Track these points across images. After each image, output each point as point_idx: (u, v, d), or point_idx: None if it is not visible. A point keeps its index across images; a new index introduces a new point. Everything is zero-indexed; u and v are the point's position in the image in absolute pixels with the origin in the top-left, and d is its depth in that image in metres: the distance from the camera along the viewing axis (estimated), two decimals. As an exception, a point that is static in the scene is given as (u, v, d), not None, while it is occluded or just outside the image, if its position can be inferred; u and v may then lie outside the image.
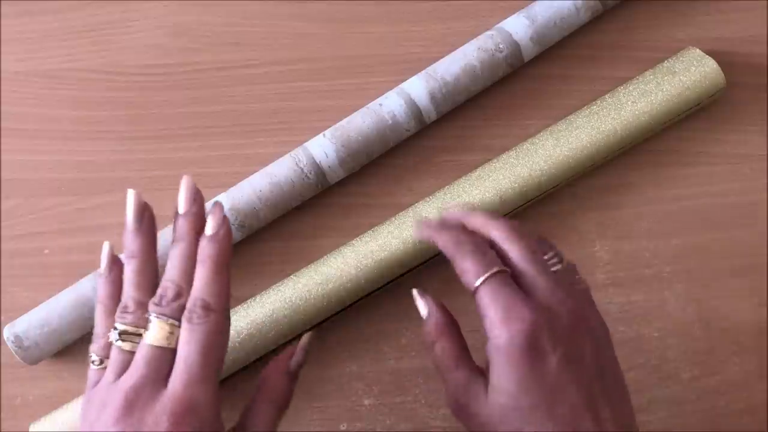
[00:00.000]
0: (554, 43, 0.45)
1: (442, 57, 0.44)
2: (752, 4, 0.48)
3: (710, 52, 0.44)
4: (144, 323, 0.28)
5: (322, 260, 0.40)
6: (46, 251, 0.43)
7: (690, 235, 0.43)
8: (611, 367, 0.29)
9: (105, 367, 0.29)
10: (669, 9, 0.48)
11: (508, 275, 0.28)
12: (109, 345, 0.29)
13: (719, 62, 0.43)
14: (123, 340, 0.28)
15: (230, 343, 0.36)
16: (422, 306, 0.31)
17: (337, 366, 0.41)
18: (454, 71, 0.43)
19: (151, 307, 0.28)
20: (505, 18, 0.45)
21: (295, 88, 0.47)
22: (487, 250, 0.29)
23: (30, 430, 0.39)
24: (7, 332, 0.39)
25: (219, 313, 0.28)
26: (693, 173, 0.44)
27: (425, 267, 0.41)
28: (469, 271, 0.28)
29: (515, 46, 0.43)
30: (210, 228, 0.30)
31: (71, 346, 0.41)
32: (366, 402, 0.40)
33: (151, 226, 0.31)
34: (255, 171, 0.42)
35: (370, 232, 0.41)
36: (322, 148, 0.42)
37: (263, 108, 0.46)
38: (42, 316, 0.39)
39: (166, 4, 0.49)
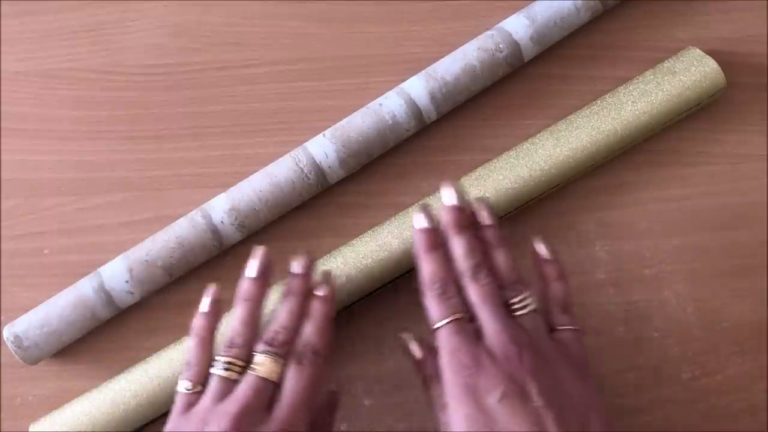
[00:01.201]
0: (554, 43, 0.45)
1: (442, 57, 0.44)
2: (752, 4, 0.48)
3: (710, 52, 0.44)
4: (248, 358, 0.32)
5: (322, 260, 0.40)
6: (46, 251, 0.43)
7: (690, 235, 0.43)
8: (567, 401, 0.30)
9: (197, 392, 0.32)
10: (669, 9, 0.48)
11: (463, 322, 0.32)
12: (205, 373, 0.32)
13: (719, 62, 0.43)
14: (227, 370, 0.32)
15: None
16: (417, 351, 0.36)
17: (337, 366, 0.41)
18: (454, 71, 0.43)
19: (262, 346, 0.33)
20: (505, 18, 0.45)
21: (295, 88, 0.47)
22: (452, 294, 0.32)
23: (30, 430, 0.39)
24: (7, 332, 0.39)
25: (324, 358, 0.33)
26: (693, 173, 0.44)
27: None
28: (433, 312, 0.32)
29: (515, 46, 0.43)
30: (323, 290, 0.35)
31: (71, 347, 0.41)
32: (366, 402, 0.40)
33: (268, 280, 0.35)
34: (255, 171, 0.42)
35: (370, 232, 0.41)
36: (322, 148, 0.42)
37: (263, 108, 0.46)
38: (42, 317, 0.39)
39: (166, 4, 0.49)
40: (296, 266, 0.36)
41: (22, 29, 0.48)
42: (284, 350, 0.32)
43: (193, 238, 0.40)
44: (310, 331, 0.33)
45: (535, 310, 0.32)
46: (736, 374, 0.40)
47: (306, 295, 0.35)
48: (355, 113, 0.43)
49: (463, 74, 0.43)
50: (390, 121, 0.42)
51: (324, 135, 0.42)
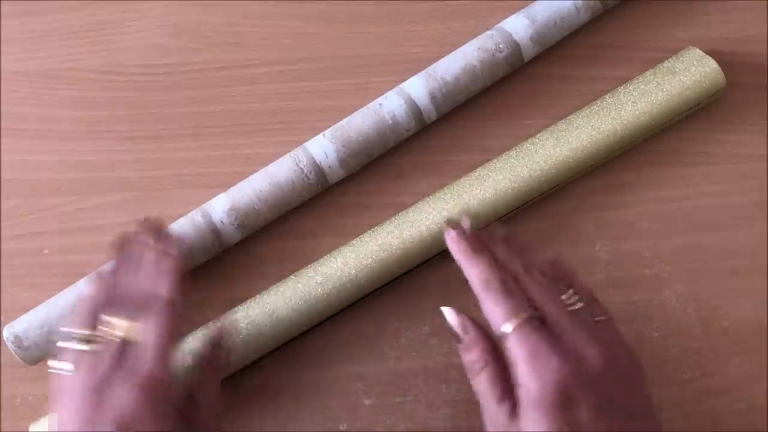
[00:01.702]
0: (554, 43, 0.45)
1: (442, 57, 0.44)
2: (752, 4, 0.48)
3: (710, 52, 0.44)
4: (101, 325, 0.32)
5: (322, 260, 0.40)
6: (46, 251, 0.43)
7: (690, 235, 0.43)
8: (643, 405, 0.28)
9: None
10: (669, 9, 0.48)
11: (536, 321, 0.28)
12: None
13: (719, 62, 0.43)
14: (89, 342, 0.32)
15: (231, 343, 0.38)
16: (460, 328, 0.31)
17: (337, 366, 0.41)
18: (454, 71, 0.43)
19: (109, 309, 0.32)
20: (505, 18, 0.45)
21: (295, 88, 0.47)
22: (514, 289, 0.29)
23: (30, 430, 0.39)
24: (7, 332, 0.39)
25: (171, 303, 0.32)
26: (693, 173, 0.44)
27: (425, 267, 0.41)
28: (498, 314, 0.29)
29: (515, 46, 0.43)
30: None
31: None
32: (366, 402, 0.40)
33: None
34: (255, 171, 0.42)
35: (370, 232, 0.41)
36: (322, 148, 0.42)
37: (263, 108, 0.46)
38: (42, 316, 0.39)
39: (166, 4, 0.49)
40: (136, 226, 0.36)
41: (22, 29, 0.48)
42: (130, 307, 0.32)
43: (193, 238, 0.40)
44: (149, 279, 0.33)
45: (587, 299, 0.30)
46: (736, 374, 0.40)
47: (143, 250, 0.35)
48: (355, 113, 0.43)
49: (463, 74, 0.43)
50: (390, 121, 0.42)
51: (324, 135, 0.42)
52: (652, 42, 0.47)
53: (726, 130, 0.45)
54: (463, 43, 0.44)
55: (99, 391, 0.29)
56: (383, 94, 0.43)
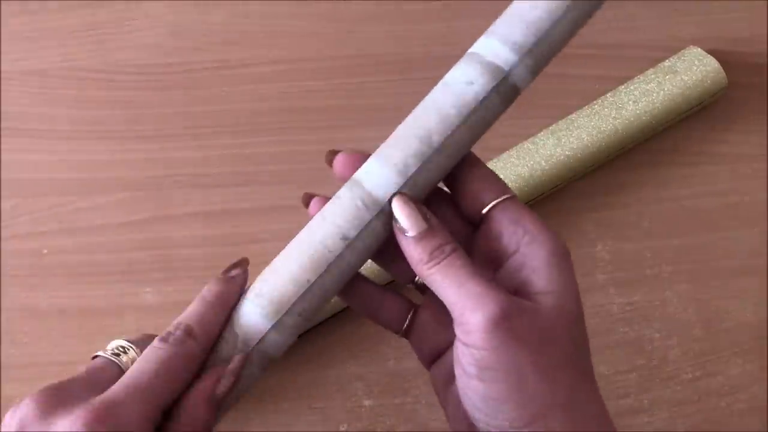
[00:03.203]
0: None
1: (442, 57, 0.44)
2: (753, 4, 0.48)
3: (711, 52, 0.44)
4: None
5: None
6: (46, 251, 0.43)
7: (691, 235, 0.43)
8: None
9: None
10: (669, 9, 0.48)
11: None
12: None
13: (720, 62, 0.43)
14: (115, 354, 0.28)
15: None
16: (419, 216, 0.26)
17: (337, 366, 0.41)
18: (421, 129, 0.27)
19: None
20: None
21: (295, 87, 0.47)
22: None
23: (29, 430, 0.38)
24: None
25: (196, 341, 0.26)
26: (693, 173, 0.44)
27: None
28: (485, 191, 0.27)
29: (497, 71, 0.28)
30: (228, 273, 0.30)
31: (70, 347, 0.41)
32: (366, 403, 0.40)
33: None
34: (254, 171, 0.42)
35: None
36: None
37: (263, 108, 0.46)
38: None
39: (166, 4, 0.49)
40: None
41: (21, 29, 0.48)
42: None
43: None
44: (191, 309, 0.27)
45: None
46: (737, 375, 0.40)
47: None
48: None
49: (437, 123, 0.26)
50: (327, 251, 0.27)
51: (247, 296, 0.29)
52: (652, 41, 0.47)
53: (726, 129, 0.45)
54: (463, 44, 0.44)
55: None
56: (383, 94, 0.43)
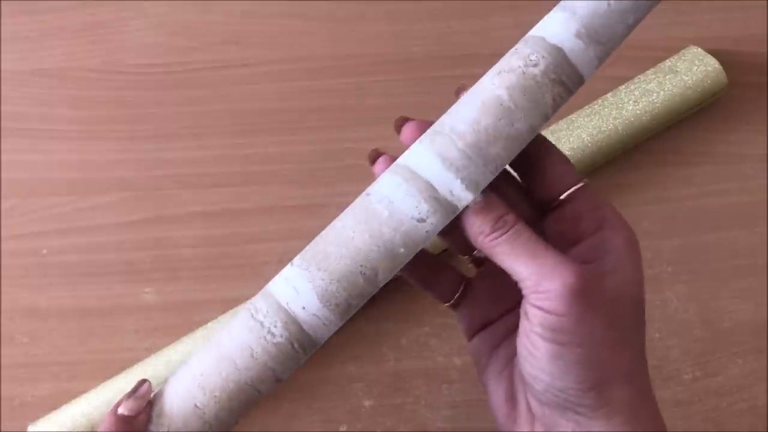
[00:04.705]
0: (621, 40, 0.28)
1: (442, 57, 0.44)
2: (754, 4, 0.47)
3: (711, 52, 0.44)
4: None
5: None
6: (45, 251, 0.43)
7: (691, 235, 0.43)
8: None
9: None
10: (670, 9, 0.47)
11: None
12: None
13: (720, 62, 0.43)
14: None
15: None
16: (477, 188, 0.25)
17: (337, 367, 0.41)
18: (469, 116, 0.25)
19: None
20: (508, 18, 0.45)
21: (295, 87, 0.47)
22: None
23: (29, 430, 0.38)
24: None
25: None
26: (694, 173, 0.44)
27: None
28: (565, 174, 0.27)
29: (557, 53, 0.25)
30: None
31: (70, 347, 0.41)
32: (366, 403, 0.40)
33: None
34: (254, 171, 0.42)
35: None
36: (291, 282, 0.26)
37: (262, 107, 0.46)
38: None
39: (166, 4, 0.49)
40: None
41: (20, 29, 0.48)
42: None
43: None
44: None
45: None
46: (738, 375, 0.40)
47: None
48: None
49: (486, 115, 0.25)
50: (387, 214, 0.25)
51: (292, 264, 0.27)
52: (652, 41, 0.47)
53: (727, 129, 0.45)
54: (463, 43, 0.44)
55: None
56: (383, 93, 0.43)
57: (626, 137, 0.42)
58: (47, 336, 0.41)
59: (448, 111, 0.26)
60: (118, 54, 0.48)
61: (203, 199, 0.42)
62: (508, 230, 0.25)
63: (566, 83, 0.26)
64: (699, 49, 0.44)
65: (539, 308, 0.25)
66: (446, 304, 0.31)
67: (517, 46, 0.26)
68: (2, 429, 0.40)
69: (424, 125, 0.27)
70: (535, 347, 0.25)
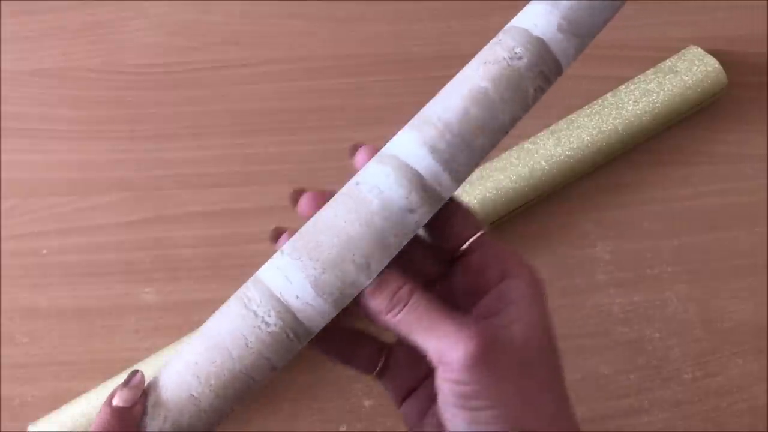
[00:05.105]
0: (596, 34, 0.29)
1: (442, 57, 0.44)
2: (754, 4, 0.48)
3: (711, 52, 0.44)
4: None
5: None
6: (45, 251, 0.43)
7: (691, 235, 0.43)
8: None
9: None
10: (670, 8, 0.48)
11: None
12: None
13: (720, 62, 0.43)
14: None
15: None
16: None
17: (337, 367, 0.40)
18: (453, 106, 0.25)
19: None
20: (508, 18, 0.44)
21: (295, 87, 0.47)
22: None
23: (28, 430, 0.38)
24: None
25: None
26: (694, 173, 0.44)
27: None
28: (462, 226, 0.27)
29: (539, 45, 0.26)
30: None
31: (69, 348, 0.41)
32: (366, 403, 0.40)
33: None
34: (254, 171, 0.42)
35: None
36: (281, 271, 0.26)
37: (262, 107, 0.46)
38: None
39: (166, 4, 0.49)
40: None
41: (20, 29, 0.48)
42: None
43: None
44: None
45: None
46: (738, 375, 0.40)
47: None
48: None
49: (472, 104, 0.26)
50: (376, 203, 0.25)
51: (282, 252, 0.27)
52: (652, 41, 0.47)
53: (727, 129, 0.45)
54: (464, 43, 0.44)
55: None
56: (383, 93, 0.43)
57: (626, 137, 0.42)
58: (47, 336, 0.41)
59: (433, 100, 0.26)
60: (118, 54, 0.48)
61: (203, 199, 0.42)
62: (404, 306, 0.25)
63: (548, 75, 0.27)
64: (699, 49, 0.44)
65: (447, 380, 0.24)
66: (368, 375, 0.30)
67: (500, 36, 0.27)
68: (2, 429, 0.40)
69: (375, 150, 0.27)
70: (453, 415, 0.25)
